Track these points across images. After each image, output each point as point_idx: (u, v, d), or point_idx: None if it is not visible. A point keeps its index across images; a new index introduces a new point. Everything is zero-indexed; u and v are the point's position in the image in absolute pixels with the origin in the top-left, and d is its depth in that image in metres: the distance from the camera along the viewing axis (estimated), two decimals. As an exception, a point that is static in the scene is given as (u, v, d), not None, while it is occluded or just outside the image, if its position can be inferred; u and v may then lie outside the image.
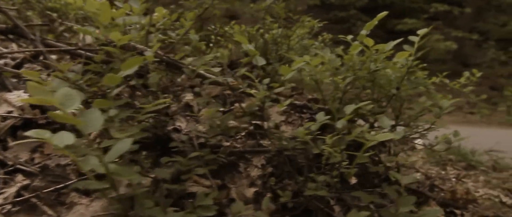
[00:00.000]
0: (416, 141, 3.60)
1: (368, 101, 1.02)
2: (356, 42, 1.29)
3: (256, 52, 0.91)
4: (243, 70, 0.94)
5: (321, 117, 0.89)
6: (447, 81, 1.66)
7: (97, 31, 0.97)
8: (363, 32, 1.29)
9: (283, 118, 1.33)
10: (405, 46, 1.36)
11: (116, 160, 0.65)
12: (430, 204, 1.45)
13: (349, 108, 0.86)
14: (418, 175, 2.20)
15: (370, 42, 1.13)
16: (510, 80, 12.88)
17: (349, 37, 1.28)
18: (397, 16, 13.36)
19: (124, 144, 0.55)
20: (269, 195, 0.91)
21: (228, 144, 1.07)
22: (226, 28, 1.80)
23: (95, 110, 0.54)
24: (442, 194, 1.66)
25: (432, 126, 1.24)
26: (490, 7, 13.98)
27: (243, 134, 1.15)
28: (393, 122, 1.11)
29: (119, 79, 0.64)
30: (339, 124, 0.87)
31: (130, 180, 0.56)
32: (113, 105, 0.70)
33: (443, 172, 2.45)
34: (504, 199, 1.77)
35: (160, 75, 0.96)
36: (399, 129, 1.42)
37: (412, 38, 1.35)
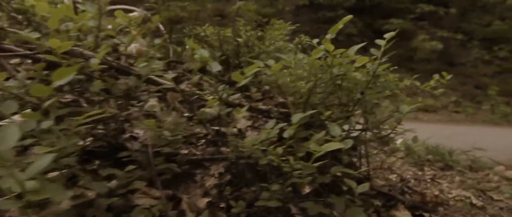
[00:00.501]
0: (396, 142, 3.60)
1: (319, 109, 1.00)
2: (322, 46, 1.28)
3: (208, 58, 0.89)
4: (196, 77, 0.91)
5: (270, 124, 0.87)
6: (417, 83, 1.66)
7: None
8: (328, 36, 1.28)
9: (249, 123, 1.31)
10: (372, 50, 1.35)
11: (48, 175, 0.62)
12: (398, 208, 1.44)
13: (296, 117, 0.84)
14: (394, 177, 2.21)
15: (330, 47, 1.11)
16: (494, 79, 13.13)
17: (315, 41, 1.26)
18: (384, 16, 13.49)
19: (43, 161, 0.51)
20: (222, 205, 0.89)
21: (186, 152, 1.04)
22: (200, 30, 1.77)
23: (10, 125, 0.51)
24: (412, 197, 1.66)
25: (394, 131, 1.22)
26: (474, 8, 14.23)
27: (204, 141, 1.12)
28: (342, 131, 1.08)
29: (48, 90, 0.61)
30: (286, 134, 0.85)
31: (51, 197, 0.53)
32: (47, 116, 0.67)
33: (420, 173, 2.46)
34: (475, 201, 1.79)
35: (111, 81, 0.92)
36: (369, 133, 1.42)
37: (379, 41, 1.34)
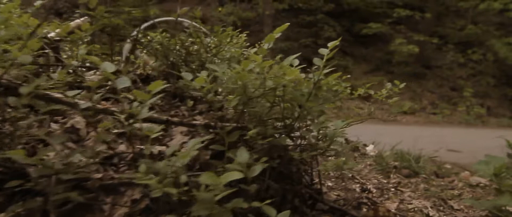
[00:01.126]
0: (367, 148, 3.55)
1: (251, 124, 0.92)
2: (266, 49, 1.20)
3: (110, 75, 0.79)
4: (97, 96, 0.81)
5: (192, 143, 0.78)
6: (371, 92, 1.61)
7: None
8: (266, 46, 1.20)
9: (186, 139, 1.21)
10: (315, 60, 1.28)
11: None
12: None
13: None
14: (356, 187, 2.15)
15: (257, 58, 1.03)
16: (468, 81, 13.50)
17: (253, 50, 1.18)
18: (362, 21, 13.67)
19: None
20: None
21: (100, 175, 0.93)
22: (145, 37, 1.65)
23: None
24: (367, 211, 1.60)
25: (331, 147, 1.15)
26: (449, 13, 14.63)
27: (125, 161, 1.02)
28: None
29: None
30: (147, 150, 0.75)
31: None
32: None
33: (384, 181, 2.41)
34: (432, 213, 1.74)
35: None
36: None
37: (322, 51, 1.27)
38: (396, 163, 2.82)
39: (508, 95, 13.35)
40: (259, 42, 3.08)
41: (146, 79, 1.60)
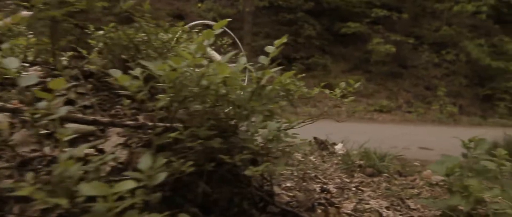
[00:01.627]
0: (336, 147, 3.54)
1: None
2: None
3: (12, 72, 0.71)
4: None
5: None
6: (327, 91, 1.58)
7: None
8: (206, 42, 1.14)
9: (122, 140, 1.14)
10: (262, 58, 1.23)
11: None
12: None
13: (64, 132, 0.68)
14: (317, 187, 2.12)
15: (188, 56, 0.96)
16: (442, 81, 13.90)
17: (193, 46, 1.11)
18: (341, 20, 13.82)
19: None
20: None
21: (11, 181, 0.85)
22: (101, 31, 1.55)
23: None
24: (317, 213, 1.57)
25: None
26: (425, 14, 15.00)
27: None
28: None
29: None
30: (63, 154, 0.68)
31: None
32: None
33: (348, 181, 2.41)
34: (387, 213, 1.73)
35: None
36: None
37: (268, 48, 1.22)
38: (362, 162, 2.82)
39: (479, 95, 13.85)
40: (221, 39, 3.00)
41: (90, 76, 1.51)
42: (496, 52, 13.89)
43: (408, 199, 2.03)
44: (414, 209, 1.88)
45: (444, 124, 11.88)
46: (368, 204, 1.88)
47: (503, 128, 7.45)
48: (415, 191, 2.26)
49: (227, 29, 2.37)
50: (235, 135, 1.15)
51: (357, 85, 1.53)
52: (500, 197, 1.41)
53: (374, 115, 12.58)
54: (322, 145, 3.45)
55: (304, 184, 2.18)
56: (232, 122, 1.12)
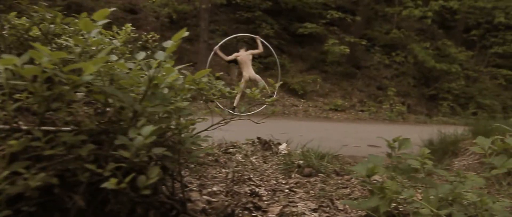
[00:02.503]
0: (279, 147, 3.48)
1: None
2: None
3: None
4: None
5: None
6: (227, 91, 1.50)
7: None
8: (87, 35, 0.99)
9: None
10: (159, 53, 1.10)
11: None
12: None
13: None
14: (248, 190, 2.04)
15: (46, 50, 0.82)
16: (392, 81, 14.63)
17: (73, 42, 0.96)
18: (299, 20, 14.03)
19: None
20: None
21: None
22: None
23: None
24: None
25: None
26: (377, 17, 15.70)
27: None
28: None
29: None
30: None
31: None
32: None
33: (283, 182, 2.36)
34: (313, 215, 1.69)
35: None
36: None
37: (166, 43, 1.11)
38: (301, 162, 2.79)
39: (425, 95, 14.77)
40: (148, 34, 2.82)
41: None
42: (440, 55, 14.90)
43: (338, 199, 2.01)
44: (341, 210, 1.86)
45: (394, 122, 12.50)
46: (296, 206, 1.83)
47: (446, 125, 7.98)
48: (348, 191, 2.26)
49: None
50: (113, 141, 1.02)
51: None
52: (414, 197, 1.41)
53: (330, 114, 12.94)
54: (266, 145, 3.40)
55: (236, 187, 2.09)
56: (114, 125, 0.99)
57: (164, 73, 1.11)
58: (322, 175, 2.56)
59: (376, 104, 13.70)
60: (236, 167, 2.60)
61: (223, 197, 1.80)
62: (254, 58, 9.44)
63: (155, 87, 1.00)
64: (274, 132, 4.01)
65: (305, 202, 1.93)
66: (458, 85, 14.30)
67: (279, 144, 3.60)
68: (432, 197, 1.63)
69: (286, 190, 2.15)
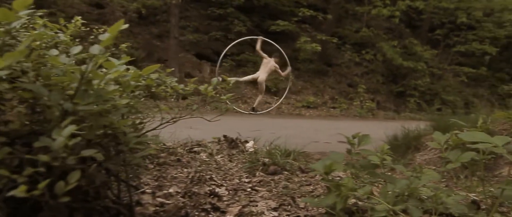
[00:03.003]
0: (246, 145, 3.41)
1: None
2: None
3: None
4: None
5: None
6: (180, 87, 1.43)
7: None
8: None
9: None
10: (93, 47, 1.01)
11: None
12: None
13: None
14: (207, 190, 1.97)
15: None
16: (362, 79, 15.01)
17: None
18: (271, 18, 14.04)
19: None
20: None
21: None
22: None
23: None
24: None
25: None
26: (347, 15, 16.02)
27: None
28: None
29: None
30: None
31: None
32: None
33: (246, 181, 2.31)
34: (271, 215, 1.65)
35: None
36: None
37: (102, 36, 1.01)
38: (266, 160, 2.76)
39: (393, 91, 15.28)
40: (98, 27, 2.68)
41: None
42: (407, 53, 15.45)
43: (299, 197, 1.99)
44: (302, 208, 1.83)
45: (364, 119, 12.84)
46: (256, 206, 1.79)
47: (412, 121, 8.27)
48: (311, 188, 2.24)
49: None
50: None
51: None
52: (371, 194, 1.41)
53: (302, 111, 13.08)
54: (233, 143, 3.33)
55: (196, 188, 2.02)
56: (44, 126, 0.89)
57: (105, 69, 1.02)
58: (286, 172, 2.54)
59: (347, 101, 14.00)
60: (199, 166, 2.52)
61: (180, 198, 1.72)
62: (271, 71, 9.87)
63: (88, 83, 0.91)
64: (245, 130, 3.96)
65: (266, 201, 1.89)
66: (423, 82, 14.89)
67: (246, 142, 3.54)
68: (389, 192, 1.64)
69: (249, 189, 2.10)
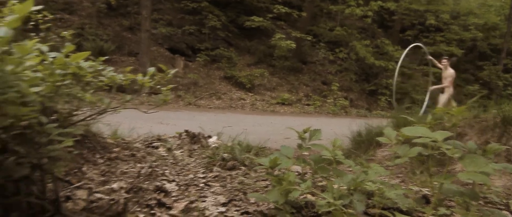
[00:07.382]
0: (209, 140, 3.35)
1: None
2: None
3: None
4: None
5: None
6: (135, 76, 1.36)
7: None
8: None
9: None
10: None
11: None
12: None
13: None
14: (158, 185, 1.91)
15: None
16: (336, 77, 15.25)
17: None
18: (246, 13, 13.96)
19: None
20: None
21: None
22: None
23: None
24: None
25: None
26: (322, 14, 16.21)
27: None
28: None
29: None
30: None
31: None
32: None
33: (202, 176, 2.26)
34: (219, 210, 1.62)
35: None
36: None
37: (9, 17, 0.93)
38: (226, 155, 2.72)
39: (365, 90, 15.64)
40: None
41: None
42: (379, 52, 15.83)
43: (252, 192, 1.96)
44: (253, 203, 1.81)
45: (338, 116, 13.06)
46: (204, 201, 1.74)
47: (383, 118, 8.48)
48: (266, 183, 2.22)
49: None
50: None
51: (171, 73, 1.35)
52: (312, 188, 1.40)
53: (276, 108, 13.13)
54: (195, 139, 3.27)
55: (146, 183, 1.95)
56: None
57: (18, 54, 0.94)
58: (244, 168, 2.51)
59: (321, 98, 14.18)
60: (154, 161, 2.44)
61: (124, 194, 1.65)
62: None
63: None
64: (218, 126, 3.89)
65: (217, 196, 1.85)
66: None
67: (210, 137, 3.49)
68: (336, 186, 1.65)
69: (201, 185, 2.05)
